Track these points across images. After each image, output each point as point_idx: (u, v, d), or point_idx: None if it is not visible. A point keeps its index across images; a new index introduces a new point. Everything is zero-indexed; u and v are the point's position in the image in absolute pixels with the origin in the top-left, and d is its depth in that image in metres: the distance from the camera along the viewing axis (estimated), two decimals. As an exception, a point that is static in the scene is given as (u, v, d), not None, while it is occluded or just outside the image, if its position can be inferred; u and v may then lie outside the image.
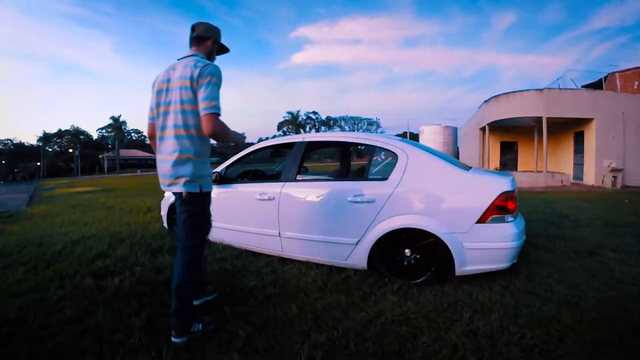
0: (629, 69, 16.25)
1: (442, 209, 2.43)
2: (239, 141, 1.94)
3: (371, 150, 2.75)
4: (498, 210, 2.40)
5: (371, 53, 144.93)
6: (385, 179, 2.51)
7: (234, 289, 2.46)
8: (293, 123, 59.83)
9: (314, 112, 66.75)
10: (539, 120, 12.59)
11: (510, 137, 16.11)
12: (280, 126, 63.02)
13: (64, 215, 6.31)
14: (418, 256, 2.52)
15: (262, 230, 2.97)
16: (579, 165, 13.01)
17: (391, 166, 2.54)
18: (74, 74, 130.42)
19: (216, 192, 3.31)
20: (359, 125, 64.37)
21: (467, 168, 2.73)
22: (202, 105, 1.68)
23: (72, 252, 3.38)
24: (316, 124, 66.40)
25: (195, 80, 1.70)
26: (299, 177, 2.91)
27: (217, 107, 1.68)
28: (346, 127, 63.80)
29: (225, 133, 1.76)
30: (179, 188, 1.76)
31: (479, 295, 2.31)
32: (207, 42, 1.91)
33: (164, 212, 4.07)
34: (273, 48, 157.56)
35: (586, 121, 11.97)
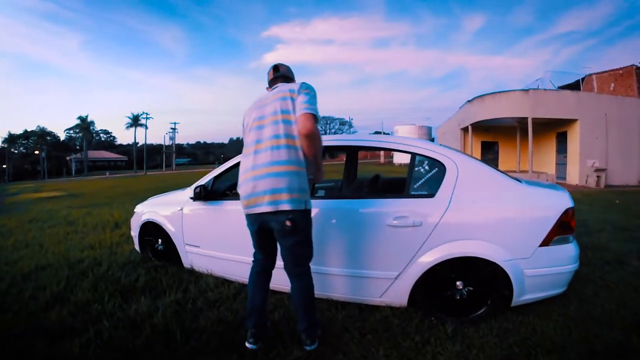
0: (605, 71, 17.10)
1: (503, 232, 2.06)
2: (320, 170, 1.93)
3: (413, 159, 2.26)
4: (562, 229, 2.07)
5: (343, 53, 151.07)
6: (432, 195, 2.07)
7: (242, 345, 1.91)
8: None
9: None
10: (521, 120, 12.87)
11: (491, 137, 16.45)
12: None
13: (17, 234, 5.40)
14: (472, 289, 2.12)
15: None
16: (561, 165, 13.40)
17: (438, 179, 2.11)
18: (41, 72, 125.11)
19: (203, 210, 2.78)
20: (331, 125, 65.73)
21: (517, 180, 2.35)
22: (300, 107, 1.71)
23: (20, 295, 2.70)
24: None
25: (296, 91, 1.78)
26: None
27: (315, 110, 1.72)
28: (318, 127, 63.19)
29: (318, 138, 1.75)
30: (285, 206, 1.67)
31: (543, 328, 2.06)
32: (292, 82, 2.03)
33: (134, 232, 3.49)
34: (244, 47, 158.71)
35: (570, 122, 12.34)
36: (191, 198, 2.81)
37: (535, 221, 2.08)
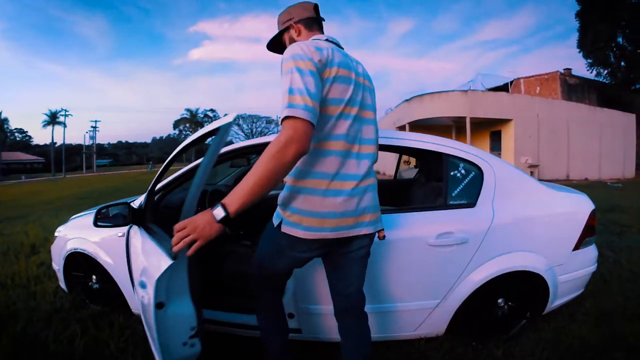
0: (532, 76, 19.57)
1: (542, 240, 2.02)
2: None
3: (446, 161, 1.98)
4: (589, 232, 2.12)
5: (270, 51, 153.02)
6: (472, 204, 1.91)
7: None
8: (191, 121, 60.32)
9: (212, 110, 67.89)
10: (458, 120, 13.98)
11: (426, 136, 17.66)
12: (176, 124, 63.36)
13: None
14: (512, 304, 2.03)
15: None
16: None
17: (475, 185, 1.95)
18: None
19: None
20: (257, 123, 66.74)
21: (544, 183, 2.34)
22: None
23: None
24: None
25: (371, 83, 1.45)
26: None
27: None
28: (244, 126, 66.65)
29: None
30: (379, 226, 1.36)
31: (578, 332, 2.17)
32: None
33: (57, 265, 2.72)
34: (170, 42, 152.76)
35: (505, 121, 13.71)
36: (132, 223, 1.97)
37: (569, 226, 2.08)
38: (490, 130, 15.02)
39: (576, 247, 2.07)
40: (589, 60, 21.82)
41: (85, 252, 2.46)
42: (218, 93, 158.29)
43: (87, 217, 2.61)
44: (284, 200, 1.24)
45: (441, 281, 1.87)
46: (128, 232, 2.10)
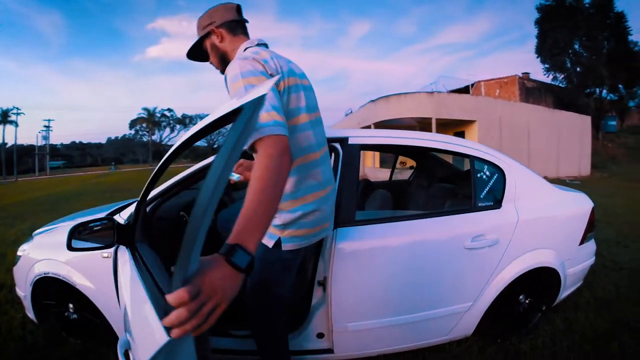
0: (492, 79, 20.88)
1: (556, 237, 2.26)
2: None
3: (472, 163, 2.11)
4: (590, 227, 2.39)
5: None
6: (498, 206, 2.09)
7: None
8: (149, 121, 59.44)
9: (169, 110, 66.54)
10: (422, 120, 14.66)
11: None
12: (133, 124, 62.03)
13: None
14: (532, 299, 2.24)
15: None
16: (458, 161, 15.76)
17: (499, 187, 2.13)
18: None
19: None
20: None
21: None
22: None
23: None
24: (171, 122, 66.55)
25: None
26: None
27: None
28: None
29: None
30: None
31: (588, 320, 2.41)
32: None
33: (24, 292, 2.32)
34: (128, 39, 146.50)
35: (469, 122, 14.52)
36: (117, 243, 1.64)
37: (576, 223, 2.33)
38: (454, 130, 15.84)
39: (582, 242, 2.33)
40: (546, 65, 24.06)
41: (59, 277, 2.11)
42: (175, 92, 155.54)
43: (55, 233, 2.33)
44: (284, 222, 1.31)
45: (474, 283, 2.02)
46: (115, 252, 1.82)
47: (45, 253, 2.23)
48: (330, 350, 1.87)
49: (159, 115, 62.56)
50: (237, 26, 1.39)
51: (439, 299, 1.97)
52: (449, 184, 2.83)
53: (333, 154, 1.88)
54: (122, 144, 72.93)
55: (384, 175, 12.83)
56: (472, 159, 2.13)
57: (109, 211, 2.35)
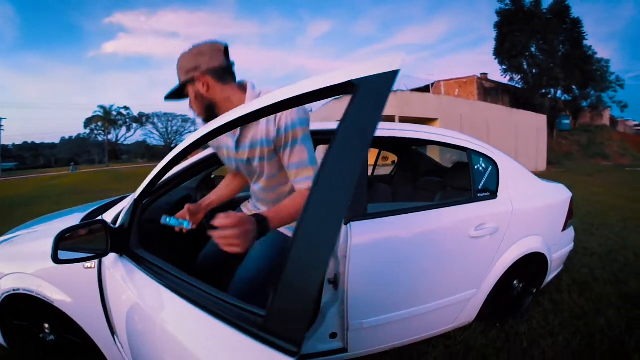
0: (451, 79, 21.93)
1: (543, 224, 2.48)
2: None
3: (469, 156, 2.27)
4: (570, 215, 2.63)
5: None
6: (494, 196, 2.27)
7: None
8: (105, 119, 58.05)
9: (125, 108, 64.52)
10: (386, 118, 15.17)
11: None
12: (88, 122, 60.26)
13: None
14: (524, 283, 2.45)
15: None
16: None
17: (493, 178, 2.29)
18: None
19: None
20: (173, 122, 66.50)
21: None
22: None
23: None
24: (127, 120, 64.54)
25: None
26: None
27: None
28: (159, 125, 65.57)
29: None
30: None
31: (574, 301, 2.68)
32: None
33: None
34: (83, 34, 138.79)
35: (431, 120, 15.24)
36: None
37: (559, 211, 2.59)
38: (418, 128, 16.61)
39: (564, 229, 2.59)
40: (504, 67, 25.64)
41: (32, 294, 1.85)
42: (132, 89, 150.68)
43: (19, 242, 2.12)
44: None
45: (478, 271, 2.18)
46: (100, 262, 1.68)
47: (12, 266, 1.95)
48: (344, 350, 1.86)
49: (114, 113, 60.69)
50: (226, 72, 1.30)
51: (449, 287, 2.11)
52: (436, 177, 3.00)
53: None
54: (76, 144, 69.05)
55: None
56: (469, 151, 2.29)
57: (82, 215, 2.17)
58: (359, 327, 1.83)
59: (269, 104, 0.88)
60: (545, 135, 18.82)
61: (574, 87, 25.90)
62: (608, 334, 2.14)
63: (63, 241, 1.37)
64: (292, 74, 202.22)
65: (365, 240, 1.78)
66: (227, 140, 1.45)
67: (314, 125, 1.74)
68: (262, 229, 1.05)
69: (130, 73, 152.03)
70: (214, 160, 1.77)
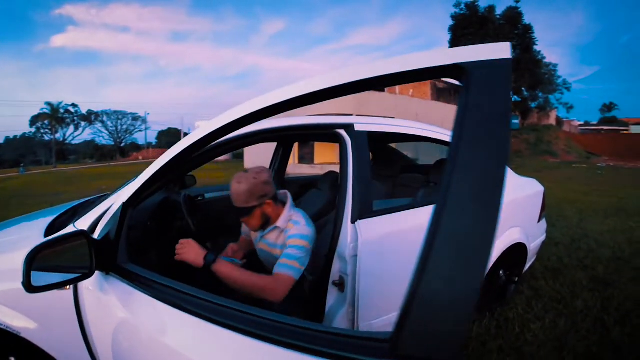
0: None
1: (523, 216, 2.70)
2: None
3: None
4: (544, 207, 2.88)
5: (138, 43, 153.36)
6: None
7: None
8: (52, 117, 54.84)
9: (74, 105, 60.98)
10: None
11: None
12: (34, 120, 57.01)
13: None
14: (508, 272, 2.65)
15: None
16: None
17: None
18: None
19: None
20: (123, 120, 63.82)
21: None
22: None
23: None
24: (75, 118, 61.20)
25: None
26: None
27: None
28: (109, 123, 62.53)
29: None
30: None
31: (550, 285, 2.99)
32: None
33: None
34: (30, 25, 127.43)
35: (387, 119, 15.90)
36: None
37: (535, 203, 2.84)
38: (370, 127, 17.33)
39: (539, 220, 2.84)
40: None
41: None
42: (80, 86, 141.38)
43: None
44: None
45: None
46: (73, 287, 1.40)
47: None
48: None
49: (62, 111, 57.10)
50: (277, 196, 1.77)
51: None
52: (417, 174, 3.14)
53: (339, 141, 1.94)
54: (21, 143, 63.47)
55: (306, 171, 13.22)
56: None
57: (42, 222, 1.88)
58: (367, 329, 1.78)
59: (368, 76, 0.77)
60: (496, 133, 20.21)
61: (523, 89, 28.10)
62: (588, 313, 2.40)
63: (37, 262, 1.11)
64: (245, 72, 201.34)
65: (374, 238, 1.75)
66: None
67: (282, 122, 1.88)
68: (205, 261, 1.44)
69: (79, 68, 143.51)
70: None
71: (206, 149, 1.48)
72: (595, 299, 2.60)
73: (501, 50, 0.62)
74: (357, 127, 1.95)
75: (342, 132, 1.94)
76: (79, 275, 1.18)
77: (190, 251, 1.46)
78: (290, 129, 1.97)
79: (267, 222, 1.75)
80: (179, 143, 1.21)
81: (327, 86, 0.84)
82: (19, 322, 1.46)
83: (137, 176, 1.48)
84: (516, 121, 28.33)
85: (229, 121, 1.04)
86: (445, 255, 0.60)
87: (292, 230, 1.69)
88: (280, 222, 1.73)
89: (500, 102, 0.61)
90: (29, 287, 1.08)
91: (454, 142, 0.63)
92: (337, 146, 2.06)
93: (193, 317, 0.94)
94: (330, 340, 0.78)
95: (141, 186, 1.27)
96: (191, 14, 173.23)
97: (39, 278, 1.10)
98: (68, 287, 1.38)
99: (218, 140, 1.23)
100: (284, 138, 3.28)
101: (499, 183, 0.60)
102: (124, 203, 1.27)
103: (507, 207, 2.25)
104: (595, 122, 51.11)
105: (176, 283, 1.09)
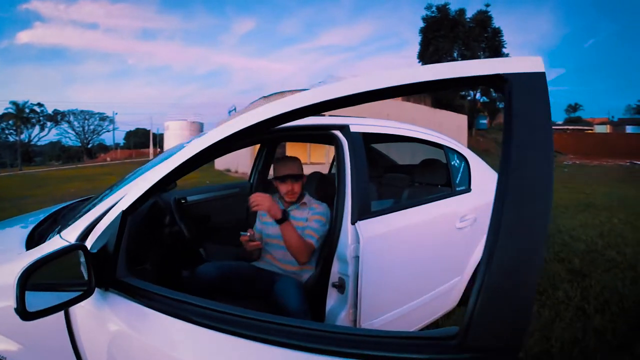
0: None
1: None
2: None
3: (446, 152, 2.53)
4: None
5: (106, 40, 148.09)
6: (469, 189, 2.56)
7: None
8: (18, 117, 53.09)
9: (39, 104, 58.44)
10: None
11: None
12: None
13: None
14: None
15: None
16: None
17: (466, 173, 2.60)
18: None
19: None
20: (90, 120, 62.30)
21: None
22: None
23: None
24: (41, 118, 58.78)
25: None
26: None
27: None
28: (75, 123, 60.67)
29: None
30: None
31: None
32: None
33: None
34: None
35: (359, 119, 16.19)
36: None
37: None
38: (342, 127, 17.63)
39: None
40: None
41: None
42: (46, 84, 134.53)
43: None
44: None
45: (462, 258, 2.47)
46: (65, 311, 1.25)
47: None
48: None
49: (27, 110, 54.60)
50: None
51: (442, 276, 2.34)
52: (401, 174, 3.21)
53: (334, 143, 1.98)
54: None
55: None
56: (447, 149, 2.57)
57: (22, 231, 1.71)
58: (369, 328, 1.81)
59: (406, 82, 0.84)
60: (465, 133, 20.91)
61: (491, 89, 28.96)
62: (569, 303, 2.57)
63: (30, 279, 0.97)
64: (215, 71, 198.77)
65: (374, 238, 1.79)
66: None
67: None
68: (284, 216, 1.88)
69: (45, 66, 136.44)
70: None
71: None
72: (575, 289, 2.79)
73: (536, 63, 0.71)
74: (353, 128, 2.01)
75: (338, 133, 1.98)
76: (79, 294, 1.06)
77: (271, 205, 1.87)
78: (285, 129, 1.94)
79: (301, 196, 2.19)
80: (186, 148, 1.16)
81: (370, 89, 0.91)
82: (5, 346, 1.28)
83: (126, 181, 1.40)
84: (484, 121, 29.51)
85: (252, 123, 1.12)
86: (507, 249, 0.65)
87: (318, 208, 2.10)
88: (306, 200, 2.16)
89: (542, 110, 0.70)
90: (24, 313, 0.95)
91: (506, 145, 0.71)
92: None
93: (213, 332, 0.90)
94: (398, 345, 0.78)
95: (143, 193, 1.18)
96: (161, 12, 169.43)
97: (31, 299, 0.97)
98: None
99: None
100: (270, 139, 3.33)
101: (548, 180, 0.69)
102: (123, 211, 1.17)
103: (489, 203, 2.41)
104: (560, 122, 53.78)
105: (189, 297, 1.03)
